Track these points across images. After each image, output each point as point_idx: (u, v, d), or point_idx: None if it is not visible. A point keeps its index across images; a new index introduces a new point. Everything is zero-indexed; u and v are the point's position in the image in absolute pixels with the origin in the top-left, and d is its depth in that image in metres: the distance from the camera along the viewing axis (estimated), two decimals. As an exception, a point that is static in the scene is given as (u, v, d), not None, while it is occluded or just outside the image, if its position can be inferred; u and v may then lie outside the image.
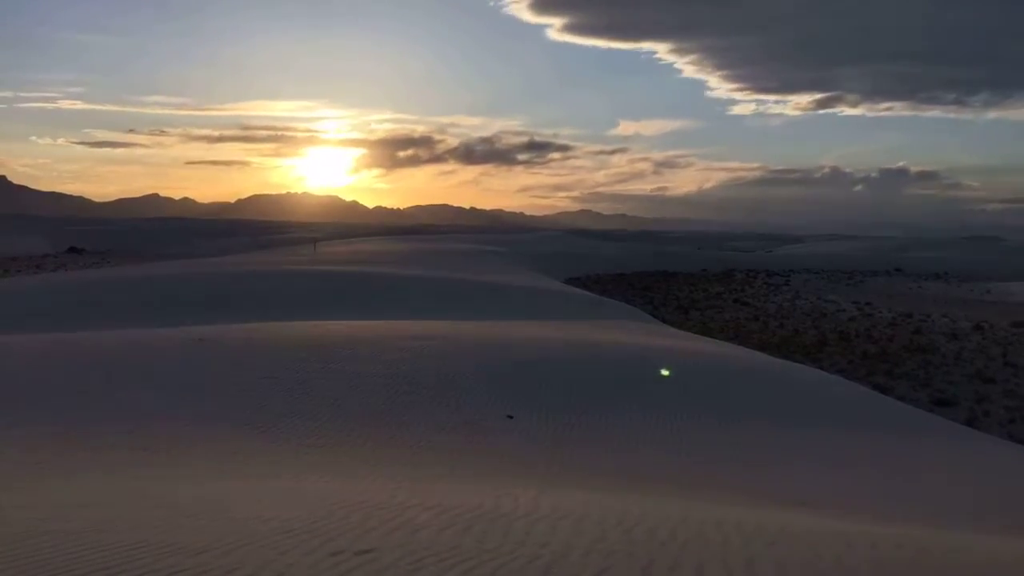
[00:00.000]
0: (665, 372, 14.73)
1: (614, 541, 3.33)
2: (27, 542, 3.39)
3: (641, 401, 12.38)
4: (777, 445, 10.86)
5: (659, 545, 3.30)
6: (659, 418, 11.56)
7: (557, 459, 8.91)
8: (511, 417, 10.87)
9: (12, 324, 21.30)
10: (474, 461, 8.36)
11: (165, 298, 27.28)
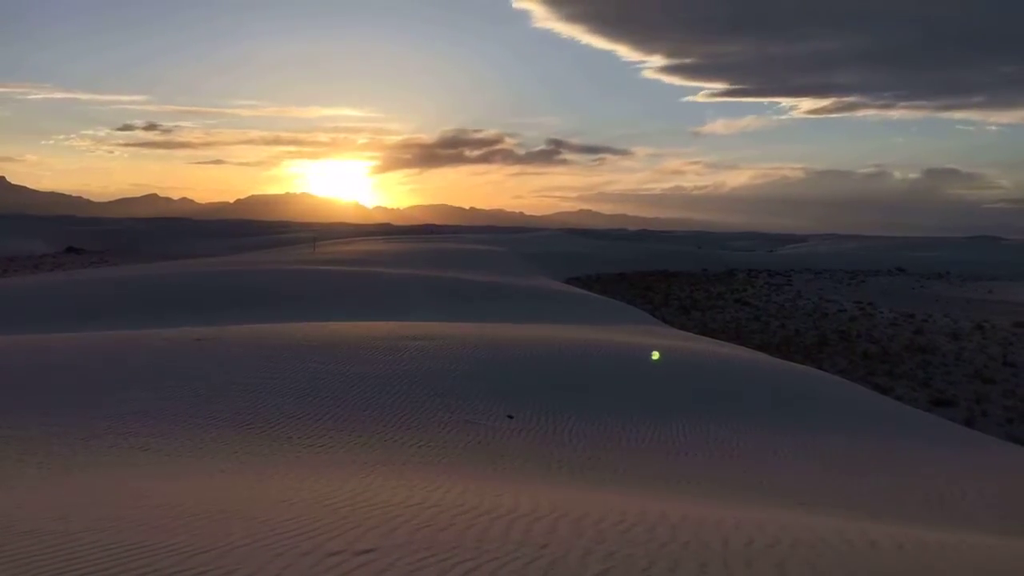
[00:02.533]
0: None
1: (614, 541, 3.33)
2: (27, 542, 3.39)
3: (641, 401, 12.37)
4: (777, 445, 10.85)
5: (659, 546, 3.30)
6: (659, 418, 11.55)
7: (556, 459, 8.90)
8: (511, 417, 10.87)
9: (11, 324, 21.31)
10: (474, 461, 8.35)
11: (163, 298, 27.28)
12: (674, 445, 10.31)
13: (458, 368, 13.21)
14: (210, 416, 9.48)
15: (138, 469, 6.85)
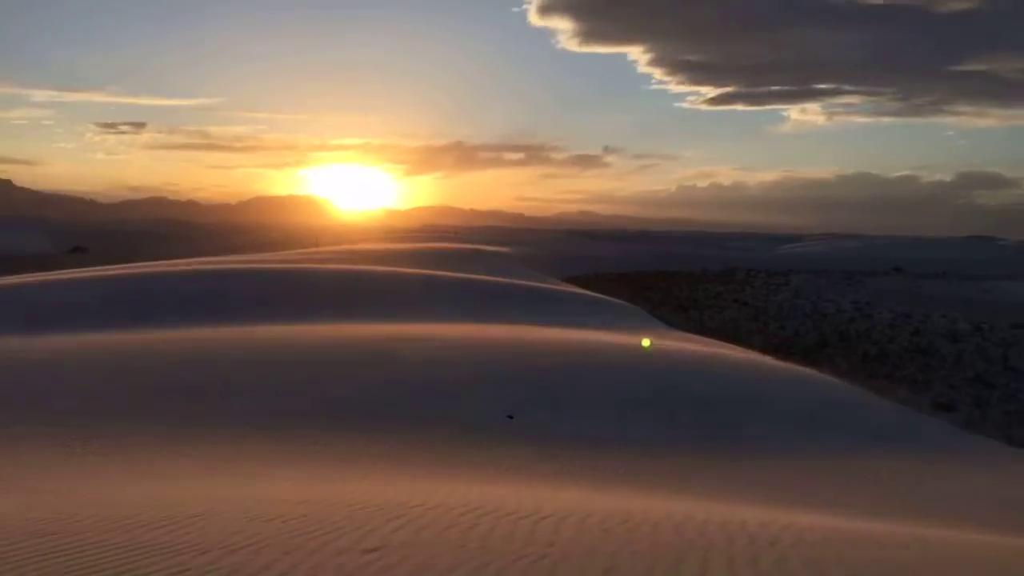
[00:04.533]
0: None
1: (618, 541, 3.34)
2: (31, 542, 3.40)
3: (642, 401, 12.38)
4: (778, 446, 10.88)
5: (664, 544, 3.32)
6: (660, 418, 11.57)
7: (558, 460, 8.91)
8: (511, 417, 10.88)
9: (10, 326, 21.29)
10: (475, 462, 8.36)
11: (163, 299, 27.25)
12: (675, 445, 10.32)
13: (458, 368, 13.22)
14: (212, 418, 9.50)
15: (140, 470, 6.86)
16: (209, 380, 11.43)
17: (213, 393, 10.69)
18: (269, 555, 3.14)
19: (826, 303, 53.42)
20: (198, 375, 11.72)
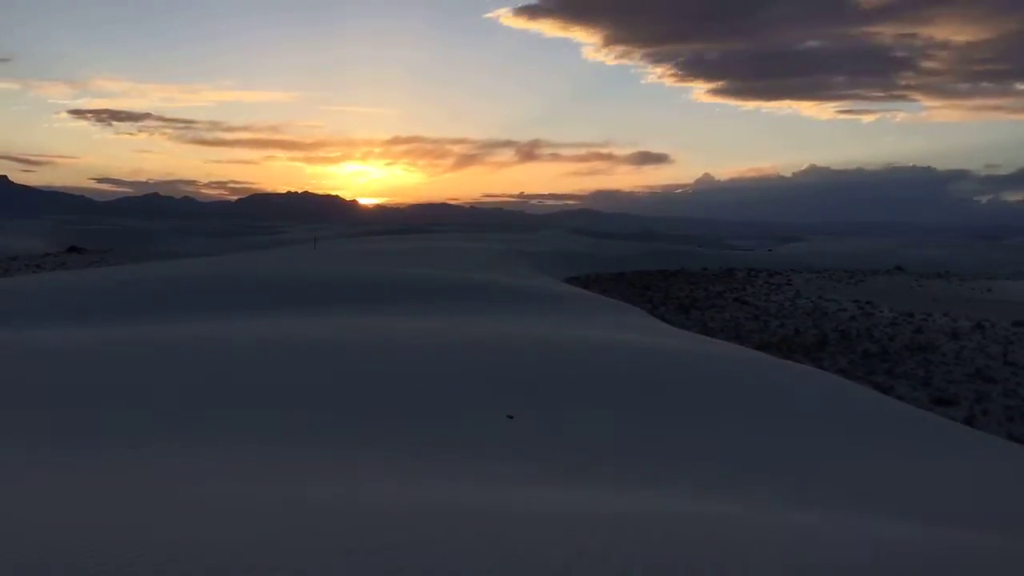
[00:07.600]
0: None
1: (630, 542, 3.34)
2: (29, 539, 3.39)
3: (643, 401, 12.38)
4: (781, 443, 10.88)
5: (676, 543, 3.32)
6: (661, 417, 11.57)
7: (560, 461, 8.91)
8: (511, 417, 10.87)
9: (12, 324, 21.31)
10: (475, 462, 8.36)
11: (163, 297, 27.31)
12: (678, 444, 10.33)
13: (457, 368, 13.22)
14: (216, 417, 9.49)
15: (145, 471, 6.86)
16: (212, 378, 11.44)
17: (215, 392, 10.69)
18: (278, 556, 3.14)
19: (827, 302, 53.46)
20: (200, 372, 11.73)
